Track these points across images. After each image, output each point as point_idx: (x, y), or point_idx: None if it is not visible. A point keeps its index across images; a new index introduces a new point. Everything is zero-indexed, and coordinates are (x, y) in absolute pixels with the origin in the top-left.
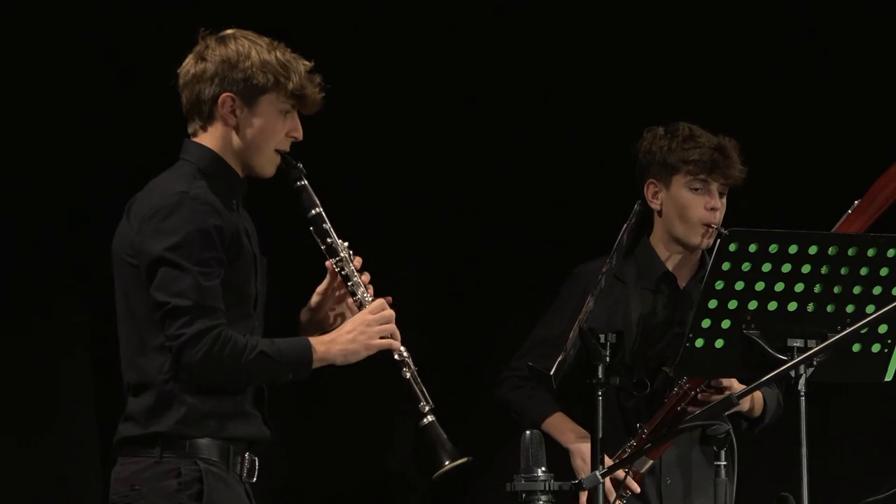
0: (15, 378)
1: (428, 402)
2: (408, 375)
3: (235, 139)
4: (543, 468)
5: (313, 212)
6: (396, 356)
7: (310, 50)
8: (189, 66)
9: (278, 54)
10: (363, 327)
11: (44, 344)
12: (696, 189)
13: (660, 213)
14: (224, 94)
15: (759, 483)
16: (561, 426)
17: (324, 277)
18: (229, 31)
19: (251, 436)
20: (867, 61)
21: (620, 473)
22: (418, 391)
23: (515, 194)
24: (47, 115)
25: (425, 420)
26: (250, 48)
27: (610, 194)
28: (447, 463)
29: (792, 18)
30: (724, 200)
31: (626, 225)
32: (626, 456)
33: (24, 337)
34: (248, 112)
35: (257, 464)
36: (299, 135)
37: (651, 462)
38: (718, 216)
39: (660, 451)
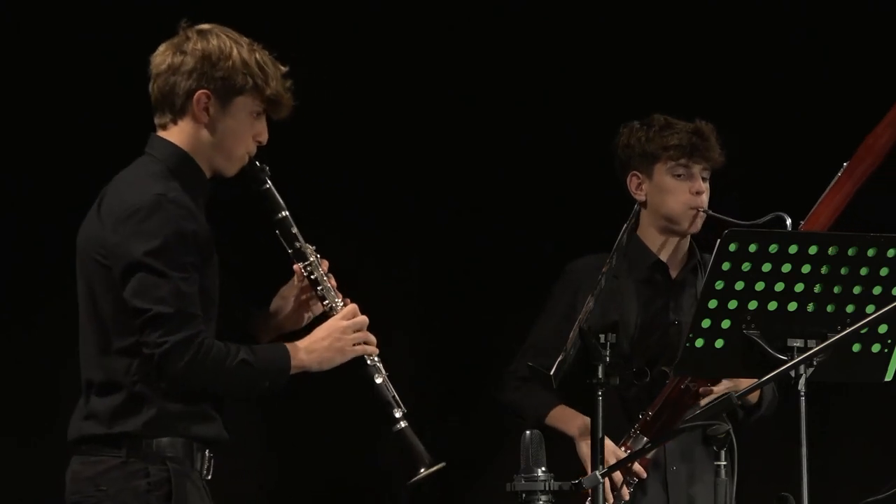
0: (15, 378)
1: (400, 408)
2: (380, 381)
3: (205, 137)
4: (543, 468)
5: (280, 215)
6: (369, 361)
7: (309, 50)
8: (165, 56)
9: (258, 56)
10: (338, 334)
11: (44, 344)
12: (679, 175)
13: (645, 204)
14: (200, 91)
15: (759, 483)
16: (564, 417)
17: (280, 278)
18: (208, 26)
19: (212, 437)
20: (867, 61)
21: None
22: (391, 397)
23: (515, 194)
24: (47, 115)
25: (398, 426)
26: (232, 47)
27: (610, 194)
28: (423, 470)
29: (792, 18)
30: (708, 185)
31: (626, 225)
32: (631, 441)
33: (24, 337)
34: (221, 111)
35: (213, 462)
36: (264, 139)
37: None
38: (704, 199)
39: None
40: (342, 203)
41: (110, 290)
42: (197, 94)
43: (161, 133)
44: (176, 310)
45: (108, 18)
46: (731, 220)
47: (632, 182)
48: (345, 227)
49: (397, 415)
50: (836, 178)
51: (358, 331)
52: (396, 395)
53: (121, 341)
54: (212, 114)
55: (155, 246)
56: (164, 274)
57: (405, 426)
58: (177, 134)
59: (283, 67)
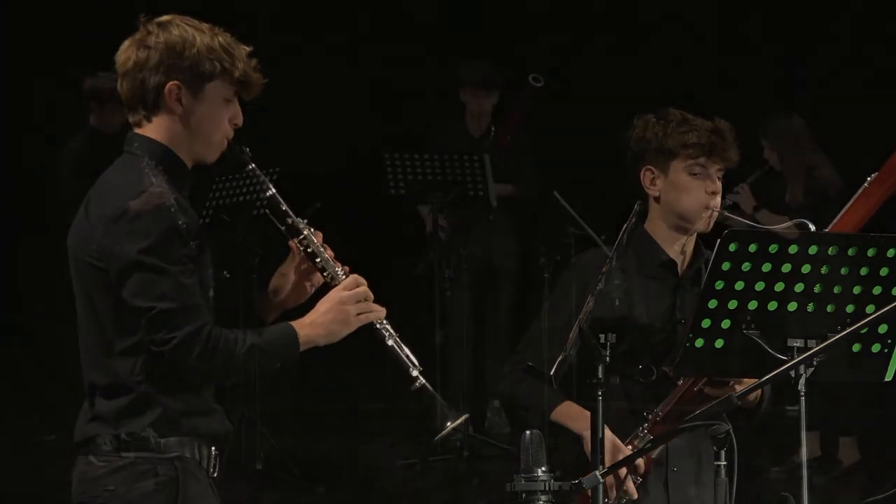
0: (15, 378)
1: (416, 366)
2: (391, 343)
3: (182, 128)
4: (543, 468)
5: (268, 193)
6: (377, 325)
7: (310, 51)
8: (129, 53)
9: (221, 40)
10: (341, 305)
11: (44, 344)
12: (696, 174)
13: (657, 199)
14: (170, 83)
15: (759, 483)
16: (570, 413)
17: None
18: (167, 18)
19: (219, 432)
20: (868, 60)
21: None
22: (404, 357)
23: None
24: (47, 115)
25: (417, 383)
26: (194, 35)
27: (610, 194)
28: (448, 424)
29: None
30: (720, 185)
31: (626, 225)
32: (638, 441)
33: (25, 337)
34: (194, 100)
35: (219, 459)
36: (240, 121)
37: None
38: (719, 199)
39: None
40: (342, 203)
41: (107, 291)
42: (167, 86)
43: (138, 130)
44: (179, 304)
45: (108, 18)
46: (751, 223)
47: (645, 176)
48: (345, 226)
49: (414, 373)
50: (861, 189)
51: (361, 301)
52: (410, 355)
53: (122, 342)
54: (185, 104)
55: (149, 244)
56: (162, 270)
57: (424, 383)
58: (153, 129)
59: (246, 48)
